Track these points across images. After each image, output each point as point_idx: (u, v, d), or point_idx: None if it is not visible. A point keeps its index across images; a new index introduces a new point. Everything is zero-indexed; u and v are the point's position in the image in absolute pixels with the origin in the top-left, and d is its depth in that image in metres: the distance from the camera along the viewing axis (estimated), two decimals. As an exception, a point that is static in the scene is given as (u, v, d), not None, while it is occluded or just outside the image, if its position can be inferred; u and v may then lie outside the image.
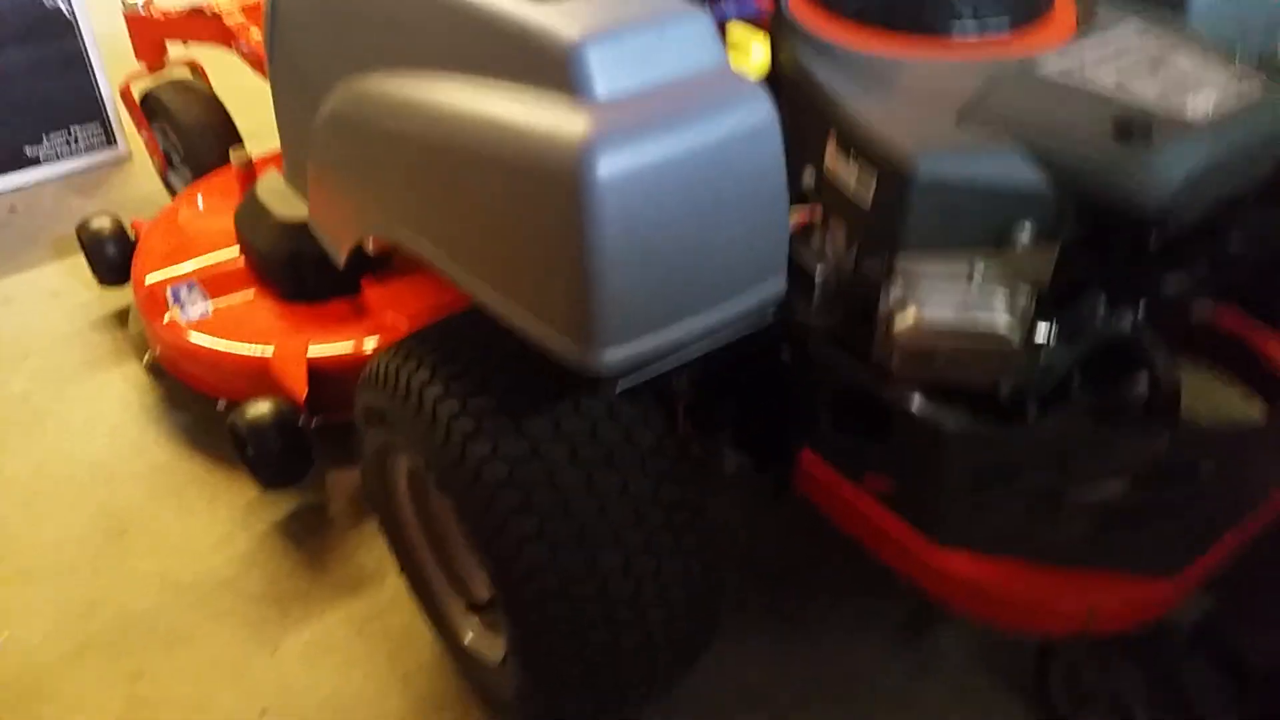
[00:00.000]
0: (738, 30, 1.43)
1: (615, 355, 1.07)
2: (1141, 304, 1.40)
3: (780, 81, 1.38)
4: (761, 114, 1.08)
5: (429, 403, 1.32)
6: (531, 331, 1.14)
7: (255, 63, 2.64)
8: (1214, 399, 2.00)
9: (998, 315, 1.26)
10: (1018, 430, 1.28)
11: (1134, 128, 1.17)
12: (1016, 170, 1.21)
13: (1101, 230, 1.27)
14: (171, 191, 3.06)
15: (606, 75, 1.02)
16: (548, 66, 1.04)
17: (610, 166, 0.97)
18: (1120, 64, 1.31)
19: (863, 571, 1.49)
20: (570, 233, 1.00)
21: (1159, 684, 1.44)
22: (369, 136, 1.34)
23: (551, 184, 1.01)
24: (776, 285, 1.19)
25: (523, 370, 1.31)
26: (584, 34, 1.02)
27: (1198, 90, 1.26)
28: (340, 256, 1.58)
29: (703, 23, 1.10)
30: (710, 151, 1.04)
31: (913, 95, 1.30)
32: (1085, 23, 1.41)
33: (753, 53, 1.35)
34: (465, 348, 1.37)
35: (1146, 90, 1.26)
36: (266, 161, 2.54)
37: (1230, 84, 1.28)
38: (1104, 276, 1.33)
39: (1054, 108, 1.25)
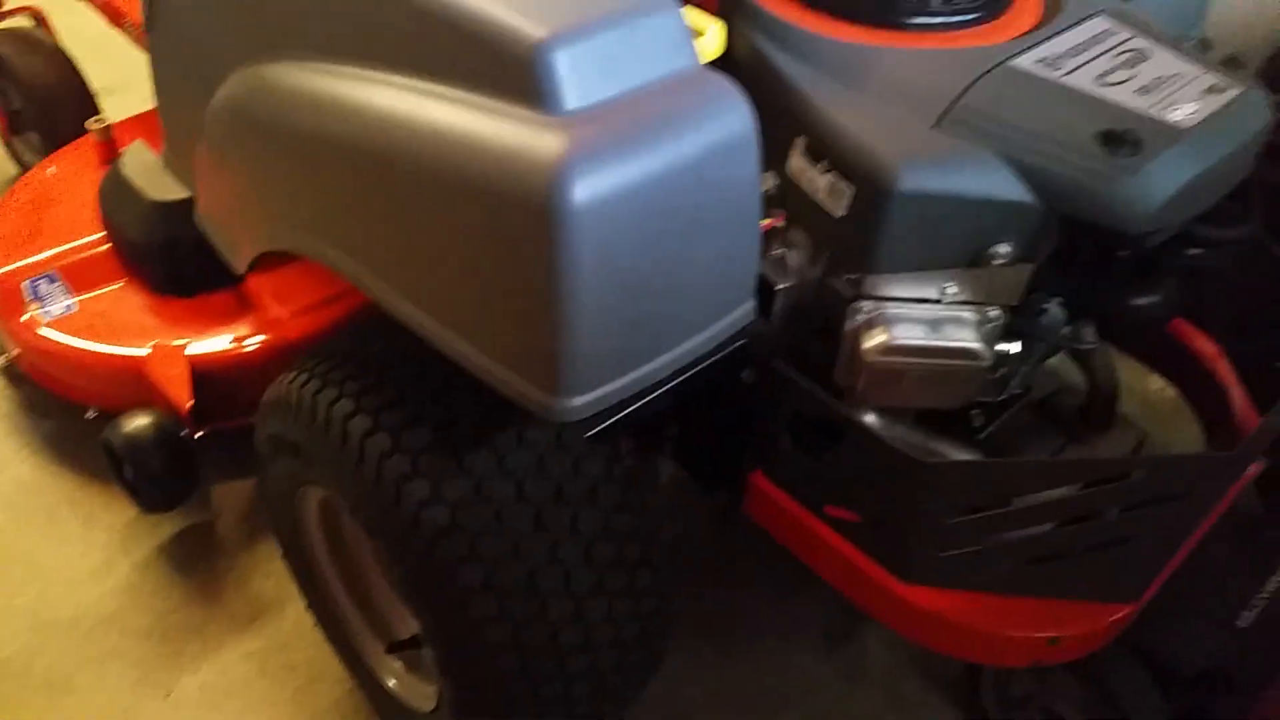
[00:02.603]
0: (690, 14, 1.30)
1: (584, 400, 0.95)
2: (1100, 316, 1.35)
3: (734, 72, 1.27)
4: (742, 121, 0.96)
5: (354, 438, 1.16)
6: (484, 372, 1.00)
7: (110, 13, 2.34)
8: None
9: (968, 335, 1.19)
10: (1002, 460, 1.22)
11: (1124, 138, 1.10)
12: (1001, 183, 1.13)
13: (1075, 244, 1.20)
14: (19, 162, 2.72)
15: (577, 83, 0.88)
16: (507, 70, 0.89)
17: (587, 190, 0.83)
18: (1095, 58, 1.23)
19: (785, 571, 1.41)
20: (537, 267, 0.87)
21: (1090, 689, 1.41)
22: (279, 136, 1.16)
23: (515, 211, 0.86)
24: (748, 309, 1.08)
25: (458, 392, 1.17)
26: (552, 34, 0.87)
27: (1177, 89, 1.19)
28: (240, 265, 1.39)
29: (675, 18, 0.96)
30: (690, 167, 0.91)
31: (887, 91, 1.20)
32: (1053, 9, 1.33)
33: (707, 38, 1.21)
34: (390, 366, 1.22)
35: (1127, 90, 1.18)
36: (131, 127, 2.24)
37: (1206, 81, 1.22)
38: (1069, 288, 1.27)
39: (1035, 111, 1.16)
